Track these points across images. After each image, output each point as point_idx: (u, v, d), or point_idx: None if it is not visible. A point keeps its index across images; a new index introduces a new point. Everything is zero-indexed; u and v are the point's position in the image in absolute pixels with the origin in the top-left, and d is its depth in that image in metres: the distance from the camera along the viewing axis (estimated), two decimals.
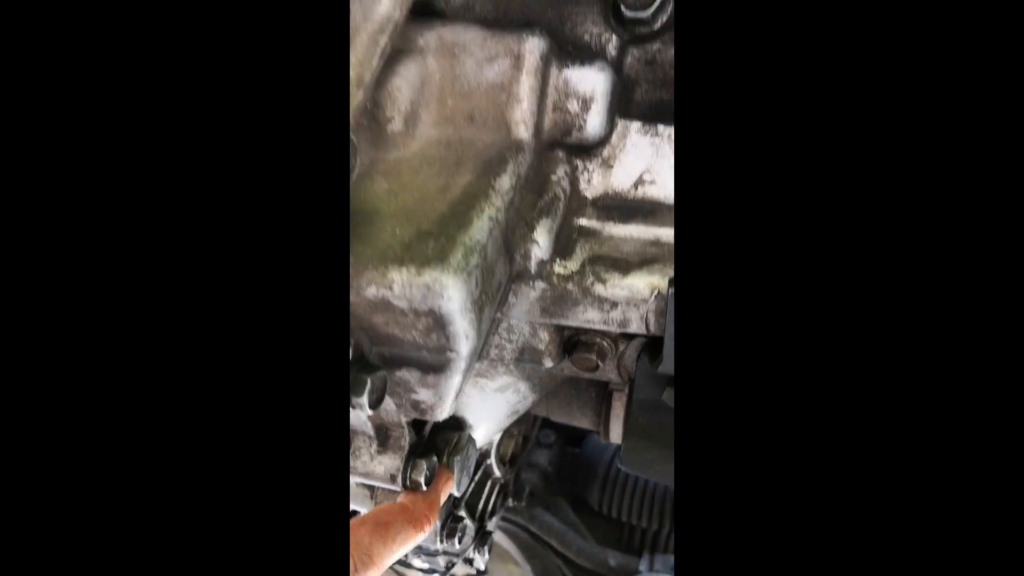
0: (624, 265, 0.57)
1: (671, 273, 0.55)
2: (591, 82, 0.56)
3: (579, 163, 0.60)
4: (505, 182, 0.52)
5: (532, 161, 0.56)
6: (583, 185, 0.60)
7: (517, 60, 0.54)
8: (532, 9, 0.61)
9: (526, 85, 0.54)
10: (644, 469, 0.76)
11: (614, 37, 0.60)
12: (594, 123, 0.57)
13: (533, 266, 0.56)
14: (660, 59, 0.61)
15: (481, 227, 0.49)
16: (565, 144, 0.59)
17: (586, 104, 0.56)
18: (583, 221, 0.60)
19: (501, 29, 0.55)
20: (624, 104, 0.60)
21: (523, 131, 0.55)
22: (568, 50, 0.58)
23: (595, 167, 0.60)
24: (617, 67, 0.60)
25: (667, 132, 0.58)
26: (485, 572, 1.08)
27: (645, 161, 0.59)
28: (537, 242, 0.55)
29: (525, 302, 0.60)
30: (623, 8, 0.57)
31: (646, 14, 0.57)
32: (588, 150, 0.59)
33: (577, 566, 1.40)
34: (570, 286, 0.57)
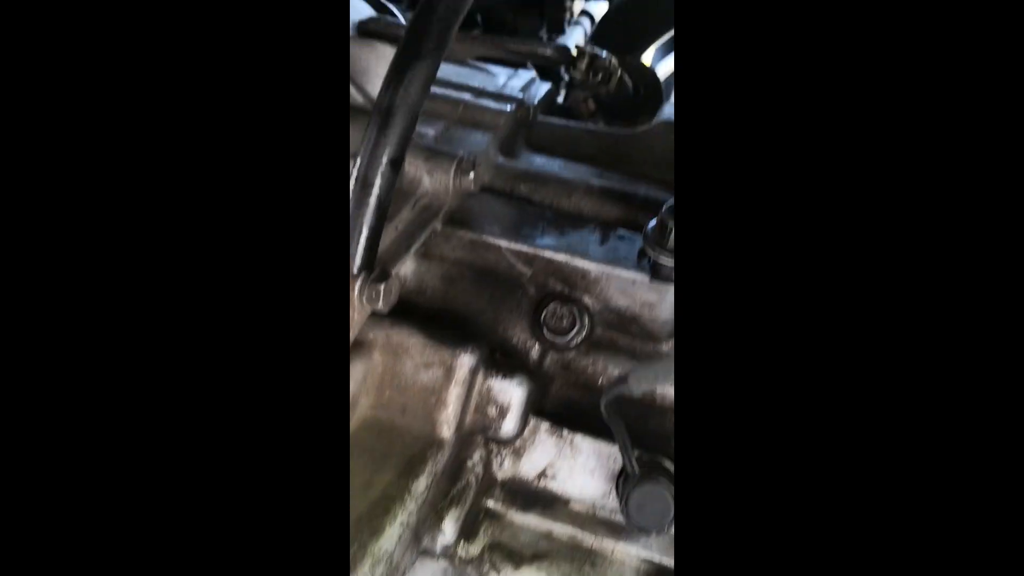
0: (518, 557, 0.65)
1: (555, 571, 0.64)
2: (509, 394, 0.65)
3: (494, 447, 0.69)
4: (421, 483, 0.61)
5: (451, 452, 0.65)
6: (495, 467, 0.69)
7: (448, 371, 0.64)
8: (473, 307, 0.72)
9: (453, 394, 0.64)
10: None
11: (537, 344, 0.70)
12: (508, 427, 0.66)
13: (438, 548, 0.64)
14: (575, 366, 0.71)
15: (391, 535, 0.57)
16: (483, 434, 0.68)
17: (503, 412, 0.66)
18: (491, 503, 0.68)
19: (440, 341, 0.65)
20: (539, 399, 0.70)
21: (446, 431, 0.64)
22: (495, 356, 0.68)
23: (507, 453, 0.69)
24: (537, 367, 0.71)
25: (570, 437, 0.67)
26: None
27: (549, 458, 0.68)
28: (444, 531, 0.63)
29: (427, 571, 0.67)
30: (545, 330, 0.68)
31: (563, 340, 0.68)
32: (502, 441, 0.68)
33: None
34: (469, 569, 0.65)
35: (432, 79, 0.56)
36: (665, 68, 1.36)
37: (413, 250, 0.68)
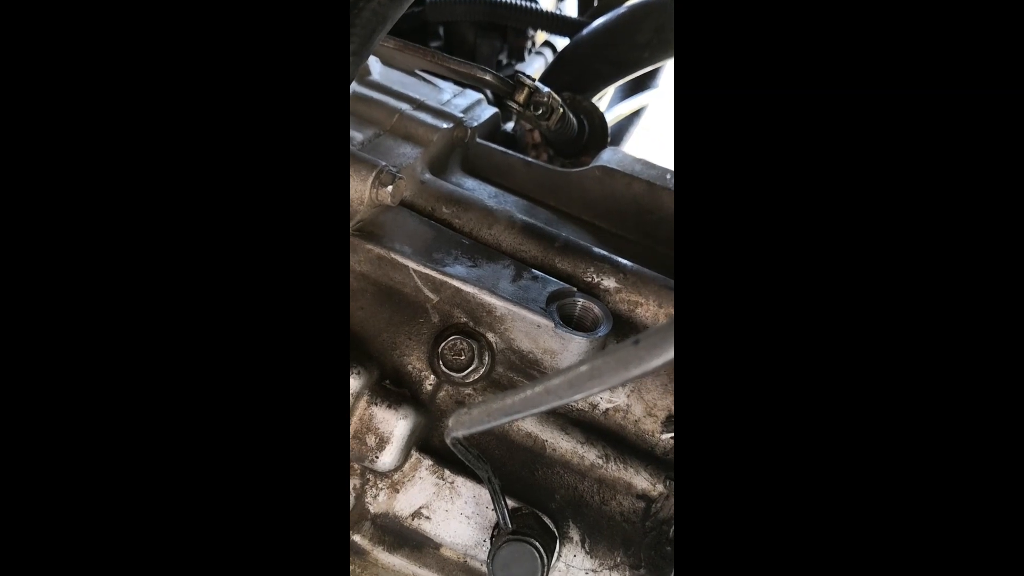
0: None
1: None
2: (391, 425, 0.61)
3: (370, 478, 0.65)
4: None
5: None
6: (369, 499, 0.65)
7: None
8: (370, 326, 0.67)
9: None
10: None
11: (432, 376, 0.67)
12: (385, 460, 0.62)
13: None
14: (469, 401, 0.68)
15: None
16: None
17: (382, 443, 0.62)
18: (357, 537, 0.63)
19: None
20: (427, 434, 0.66)
21: None
22: (384, 383, 0.64)
23: (384, 487, 0.65)
24: (430, 400, 0.67)
25: (452, 479, 0.64)
26: None
27: (426, 497, 0.64)
28: None
29: None
30: (440, 363, 0.65)
31: (458, 376, 0.64)
32: (380, 473, 0.64)
33: None
34: None
35: None
36: (620, 110, 1.36)
37: None
